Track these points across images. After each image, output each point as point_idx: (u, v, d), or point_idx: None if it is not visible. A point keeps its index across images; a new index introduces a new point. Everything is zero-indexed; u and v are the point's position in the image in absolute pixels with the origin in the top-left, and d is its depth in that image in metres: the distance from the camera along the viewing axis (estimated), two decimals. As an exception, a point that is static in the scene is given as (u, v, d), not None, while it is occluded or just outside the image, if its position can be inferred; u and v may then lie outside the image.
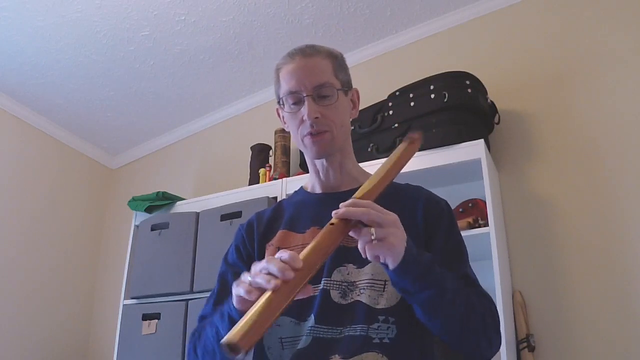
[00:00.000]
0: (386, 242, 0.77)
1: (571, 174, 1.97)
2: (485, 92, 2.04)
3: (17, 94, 2.76)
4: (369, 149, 2.09)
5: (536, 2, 2.25)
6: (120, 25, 2.35)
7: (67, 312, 2.91)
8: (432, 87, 2.00)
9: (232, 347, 0.65)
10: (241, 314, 0.72)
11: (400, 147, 0.95)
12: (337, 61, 1.08)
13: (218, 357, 0.91)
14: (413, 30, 2.49)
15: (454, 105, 1.94)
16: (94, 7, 2.25)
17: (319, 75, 1.03)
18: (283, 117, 1.10)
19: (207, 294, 2.19)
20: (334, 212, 0.78)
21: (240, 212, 2.16)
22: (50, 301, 2.83)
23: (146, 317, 2.22)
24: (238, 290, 0.77)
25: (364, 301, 0.93)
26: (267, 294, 0.70)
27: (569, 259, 1.87)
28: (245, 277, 0.76)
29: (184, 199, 2.51)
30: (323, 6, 2.32)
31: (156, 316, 2.20)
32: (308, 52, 1.05)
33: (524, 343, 1.75)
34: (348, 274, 0.96)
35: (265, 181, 2.39)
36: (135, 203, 2.51)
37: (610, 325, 1.73)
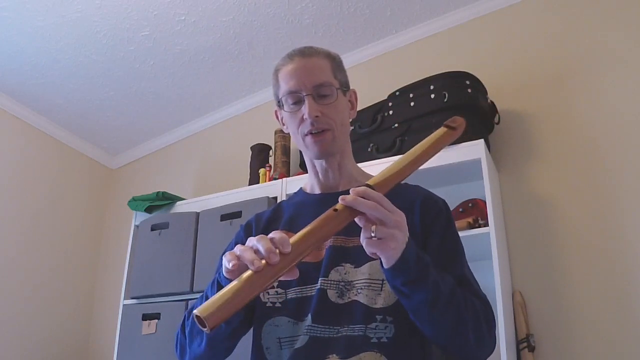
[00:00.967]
0: (384, 243, 0.77)
1: (571, 174, 1.97)
2: (485, 92, 2.04)
3: (17, 94, 2.76)
4: (369, 149, 2.09)
5: (536, 2, 2.25)
6: (120, 25, 2.35)
7: (67, 312, 2.91)
8: (432, 87, 1.99)
9: (201, 321, 0.65)
10: (228, 282, 0.72)
11: (438, 132, 0.91)
12: (335, 62, 1.09)
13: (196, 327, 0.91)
14: (413, 30, 2.49)
15: (454, 105, 1.94)
16: (94, 7, 2.25)
17: (319, 75, 1.04)
18: (282, 119, 1.11)
19: (207, 294, 2.19)
20: (341, 197, 0.76)
21: (240, 212, 2.16)
22: (50, 301, 2.83)
23: (146, 317, 2.22)
24: (224, 260, 0.77)
25: (361, 301, 0.93)
26: (248, 273, 0.69)
27: (569, 259, 1.87)
28: (236, 249, 0.75)
29: (184, 199, 2.51)
30: (323, 6, 2.32)
31: (156, 316, 2.20)
32: (307, 53, 1.06)
33: (524, 343, 1.75)
34: (346, 273, 0.96)
35: (265, 181, 2.39)
36: (135, 203, 2.51)
37: (610, 325, 1.73)
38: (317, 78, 1.03)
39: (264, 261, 0.70)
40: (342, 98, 1.07)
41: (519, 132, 2.11)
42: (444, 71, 2.04)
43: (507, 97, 2.16)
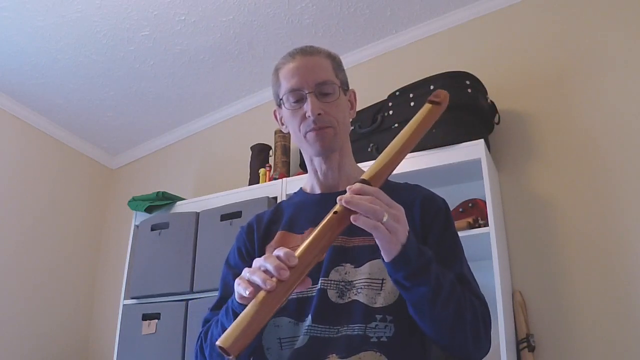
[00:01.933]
0: (383, 235, 0.76)
1: (571, 174, 1.97)
2: (485, 92, 2.04)
3: (17, 94, 2.76)
4: (369, 149, 2.09)
5: (536, 2, 2.25)
6: (120, 25, 2.35)
7: (67, 312, 2.91)
8: (432, 87, 1.99)
9: (224, 350, 0.65)
10: (243, 308, 0.72)
11: (423, 111, 0.90)
12: (336, 62, 1.10)
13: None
14: (413, 30, 2.49)
15: (454, 105, 1.91)
16: (94, 7, 2.25)
17: (321, 73, 1.04)
18: (281, 119, 1.12)
19: (207, 294, 2.21)
20: (338, 198, 0.76)
21: (240, 212, 2.16)
22: (50, 301, 2.83)
23: (146, 317, 2.22)
24: (237, 287, 0.77)
25: (361, 300, 0.93)
26: (261, 294, 0.70)
27: (569, 259, 1.87)
28: (245, 273, 0.76)
29: (184, 199, 2.51)
30: (323, 6, 2.32)
31: (156, 316, 2.20)
32: (308, 51, 1.07)
33: (524, 343, 1.75)
34: (345, 273, 0.96)
35: (265, 181, 2.39)
36: (135, 203, 2.51)
37: (610, 325, 1.73)
38: (319, 76, 1.03)
39: (275, 279, 0.71)
40: (342, 97, 1.08)
41: (519, 132, 2.11)
42: (444, 71, 2.04)
43: (507, 97, 2.15)
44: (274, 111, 1.14)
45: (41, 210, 2.88)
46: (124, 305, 2.35)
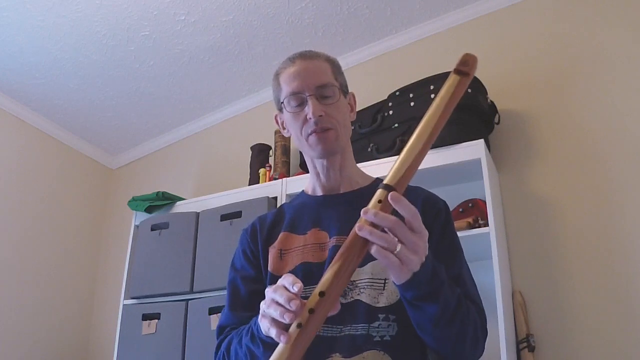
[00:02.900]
0: (395, 262, 0.74)
1: (571, 174, 1.97)
2: (485, 92, 2.04)
3: (17, 94, 2.76)
4: (369, 149, 2.09)
5: (536, 2, 2.25)
6: (120, 25, 2.35)
7: (67, 312, 2.91)
8: (432, 87, 2.00)
9: None
10: (270, 339, 0.74)
11: (450, 85, 0.75)
12: (335, 65, 1.11)
13: None
14: (413, 30, 2.49)
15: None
16: (94, 7, 2.25)
17: (321, 76, 1.05)
18: (282, 123, 1.13)
19: (207, 294, 2.20)
20: (357, 227, 0.71)
21: (240, 212, 2.16)
22: (50, 301, 2.83)
23: (146, 317, 2.22)
24: (274, 333, 0.74)
25: (364, 300, 0.94)
26: (295, 331, 0.70)
27: (569, 259, 1.87)
28: (272, 310, 0.75)
29: (184, 199, 2.51)
30: (323, 6, 2.32)
31: (156, 316, 2.20)
32: (308, 55, 1.08)
33: (524, 343, 1.76)
34: (348, 273, 0.96)
35: (265, 181, 2.39)
36: (135, 203, 2.51)
37: (610, 325, 1.73)
38: (320, 79, 1.05)
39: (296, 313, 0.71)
40: (343, 100, 1.09)
41: (519, 132, 2.11)
42: (444, 71, 2.04)
43: (507, 97, 2.16)
44: (275, 116, 1.14)
45: (41, 211, 2.88)
46: (124, 305, 2.35)
